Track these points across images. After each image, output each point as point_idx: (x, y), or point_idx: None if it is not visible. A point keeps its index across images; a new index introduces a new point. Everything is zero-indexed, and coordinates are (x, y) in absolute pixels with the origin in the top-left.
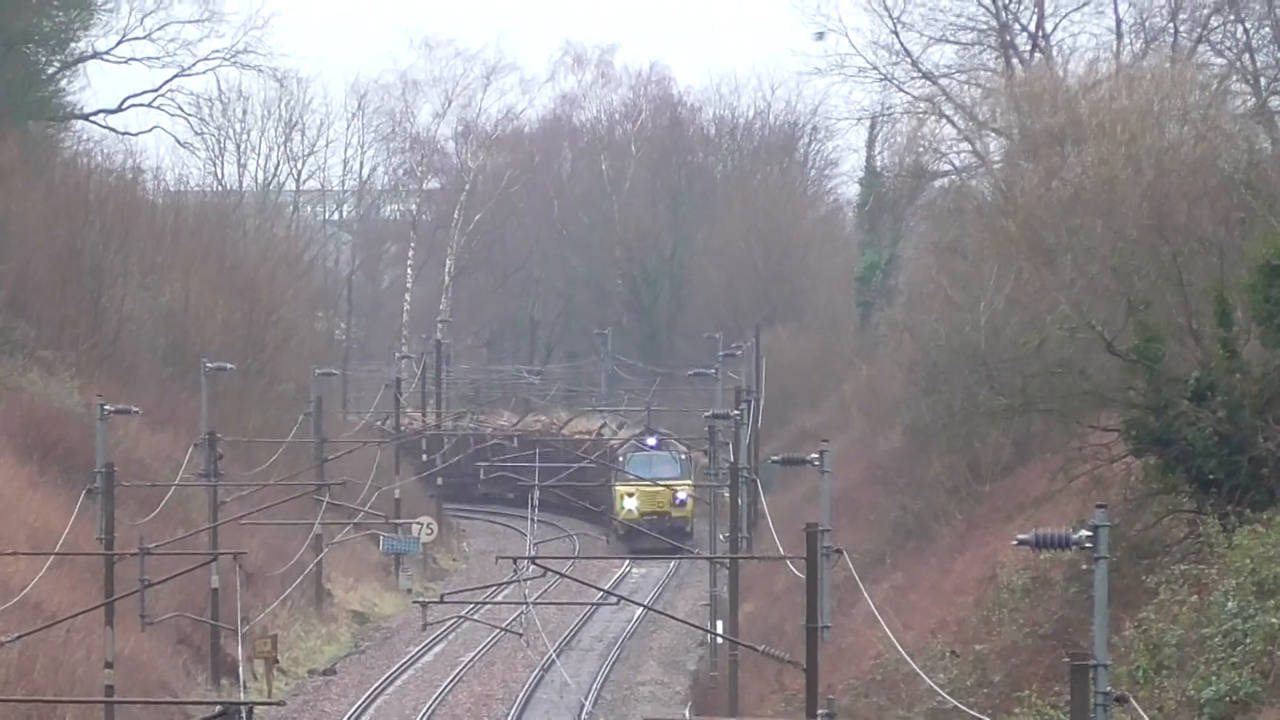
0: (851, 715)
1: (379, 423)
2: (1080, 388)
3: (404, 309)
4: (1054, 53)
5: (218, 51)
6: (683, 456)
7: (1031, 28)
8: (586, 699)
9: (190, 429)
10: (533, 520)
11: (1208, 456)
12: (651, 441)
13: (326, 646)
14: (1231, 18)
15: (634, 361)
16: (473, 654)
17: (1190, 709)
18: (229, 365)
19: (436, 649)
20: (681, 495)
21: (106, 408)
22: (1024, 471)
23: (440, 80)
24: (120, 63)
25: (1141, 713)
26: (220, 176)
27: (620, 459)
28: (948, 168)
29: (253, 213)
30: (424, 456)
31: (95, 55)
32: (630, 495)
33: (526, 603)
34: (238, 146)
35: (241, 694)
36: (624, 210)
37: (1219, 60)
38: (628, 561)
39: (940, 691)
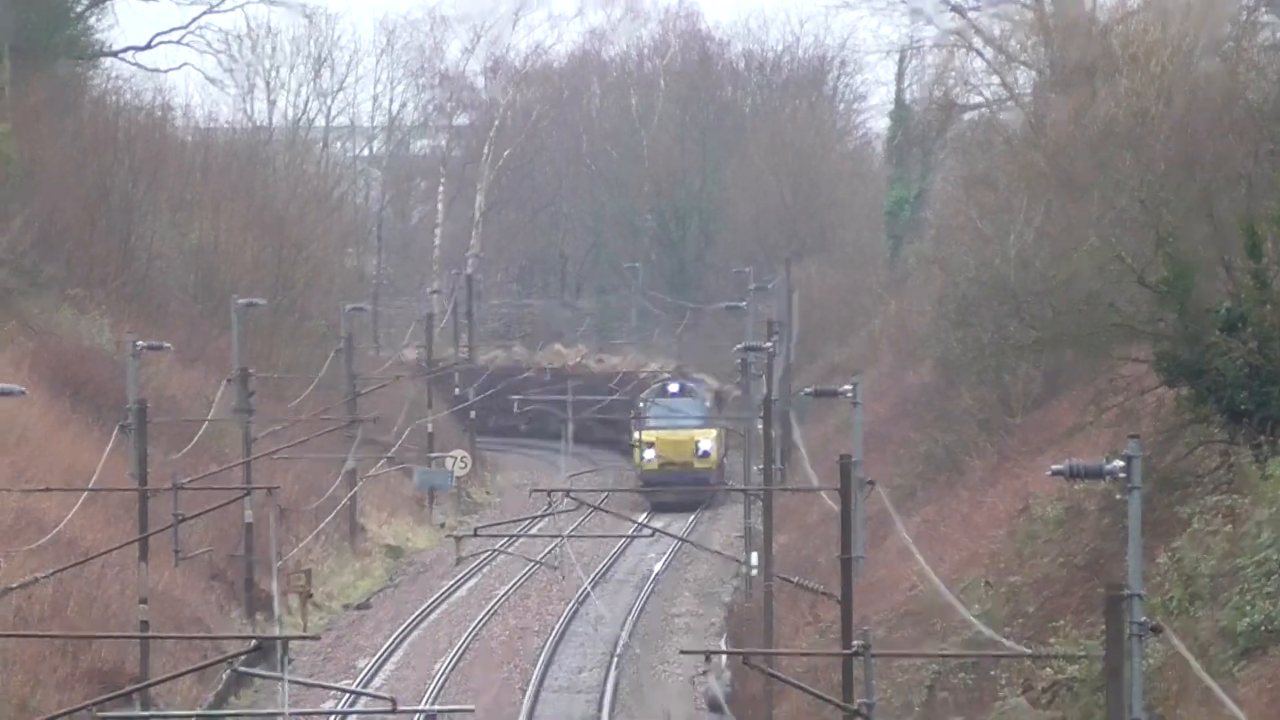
0: (887, 646)
1: (417, 347)
2: (1110, 320)
3: (434, 245)
4: None
5: None
6: (708, 404)
7: None
8: (622, 631)
9: (221, 365)
10: (566, 454)
11: (1239, 387)
12: (674, 387)
13: (360, 581)
14: None
15: (663, 296)
16: (507, 588)
17: (1224, 639)
18: (260, 301)
19: (470, 583)
20: (705, 445)
21: (138, 344)
22: (1055, 404)
23: (469, 16)
24: None
25: (1176, 642)
26: (250, 113)
27: (640, 404)
28: (977, 101)
29: (282, 149)
30: (456, 390)
31: None
32: (650, 444)
33: (561, 536)
34: (267, 83)
35: (276, 629)
36: (653, 145)
37: None
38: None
39: (975, 622)
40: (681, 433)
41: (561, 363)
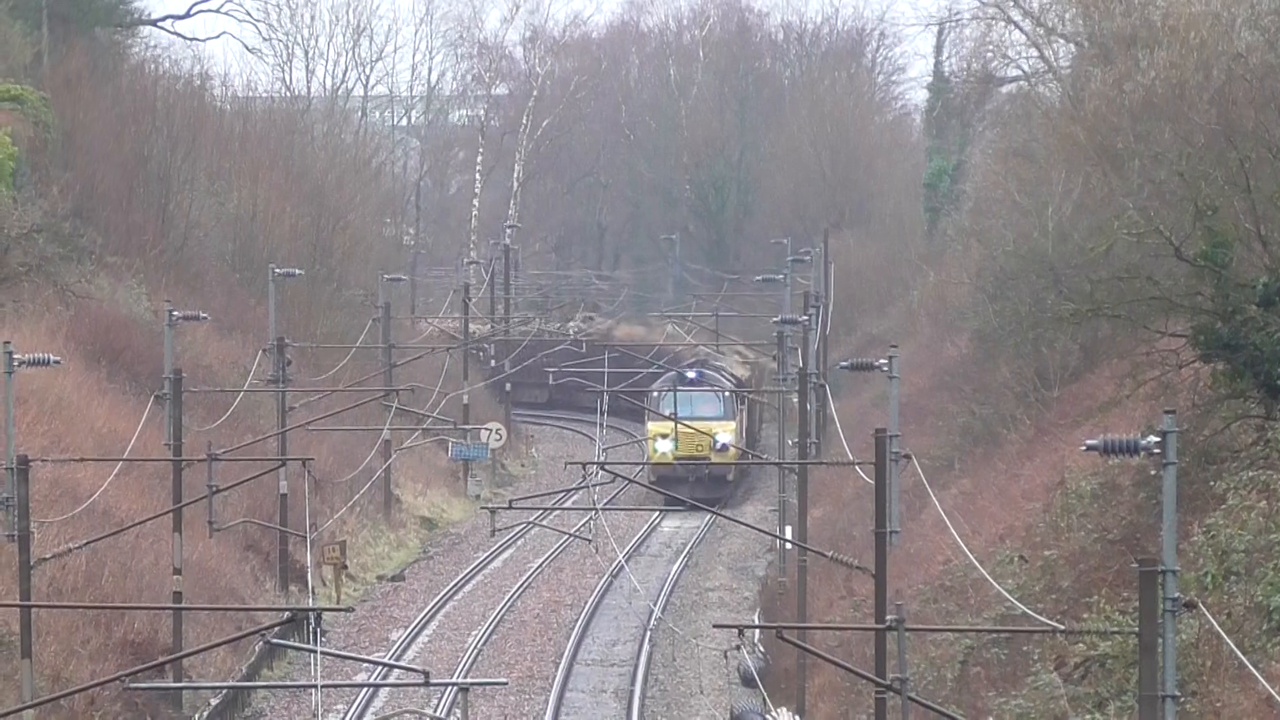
0: (920, 620)
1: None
2: (1148, 293)
3: (472, 214)
4: None
5: None
6: (727, 394)
7: None
8: (655, 604)
9: (258, 335)
10: (601, 426)
11: (1276, 362)
12: (692, 375)
13: (395, 552)
14: None
15: (701, 267)
16: (541, 560)
17: (1258, 615)
18: (297, 271)
19: (505, 555)
20: (724, 438)
21: (174, 313)
22: (1092, 377)
23: None
24: None
25: (1210, 618)
26: (288, 82)
27: (654, 394)
28: (1015, 73)
29: (320, 119)
30: (492, 362)
31: None
32: (664, 436)
33: (595, 508)
34: (305, 52)
35: (310, 600)
36: (691, 116)
37: None
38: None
39: (1009, 597)
40: (698, 424)
41: (598, 334)
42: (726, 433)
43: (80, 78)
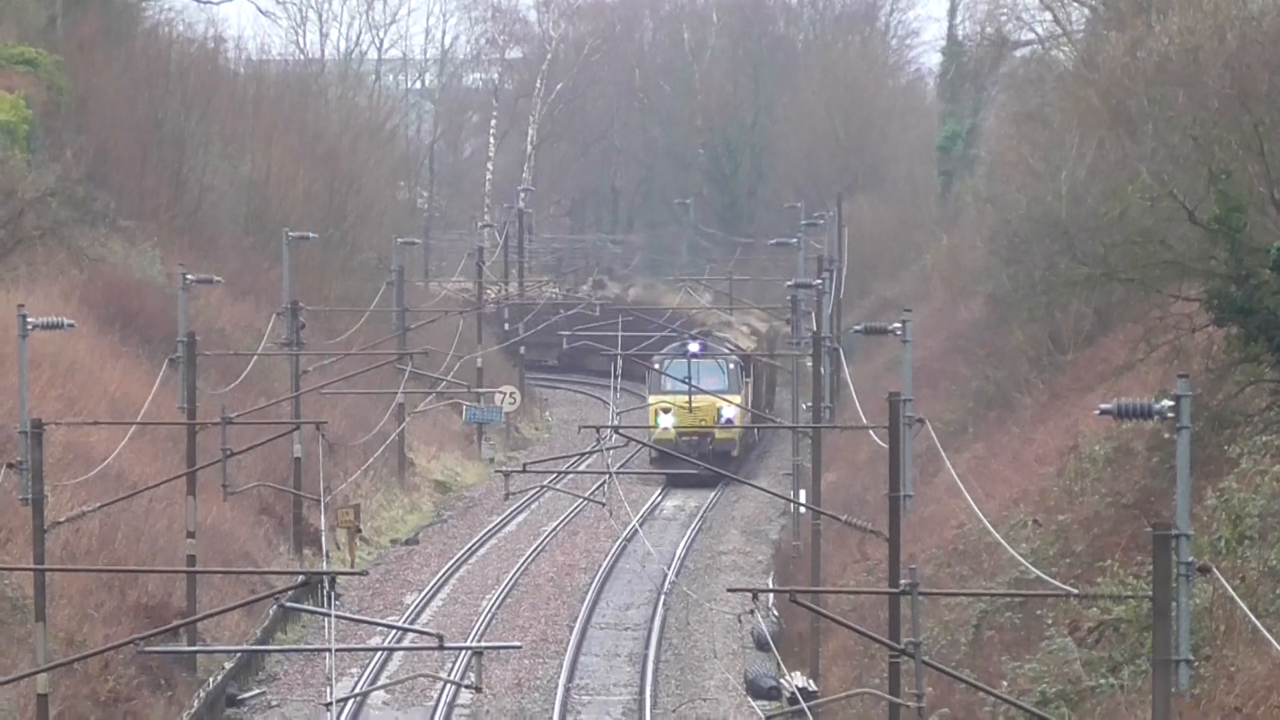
0: (934, 584)
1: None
2: (1161, 257)
3: (486, 178)
4: None
5: None
6: (731, 366)
7: None
8: (669, 569)
9: (271, 299)
10: (615, 390)
11: None
12: (694, 347)
13: (409, 516)
14: None
15: (715, 231)
16: (555, 524)
17: (1272, 579)
18: (311, 235)
19: (519, 519)
20: (729, 412)
21: (188, 277)
22: (1105, 341)
23: None
24: None
25: (1224, 582)
26: (302, 45)
27: (656, 365)
28: (1029, 37)
29: (334, 82)
30: (506, 326)
31: None
32: (666, 410)
33: (609, 472)
34: (319, 15)
35: (324, 564)
36: (705, 79)
37: None
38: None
39: (1023, 561)
40: (702, 398)
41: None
42: (732, 407)
43: (94, 41)
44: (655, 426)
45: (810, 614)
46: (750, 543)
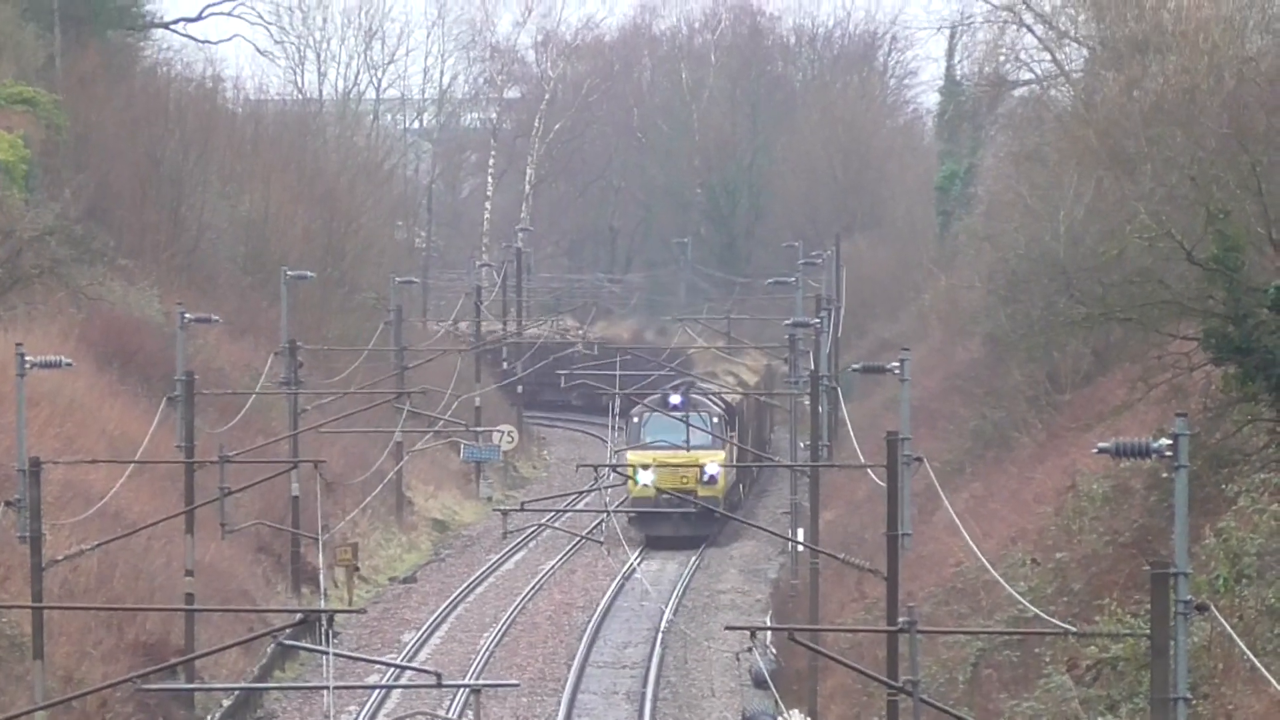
0: (932, 623)
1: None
2: (1159, 297)
3: (484, 217)
4: None
5: None
6: (715, 419)
7: None
8: (667, 607)
9: (270, 338)
10: (613, 428)
11: None
12: (676, 399)
13: (407, 554)
14: None
15: (713, 270)
16: (553, 562)
17: (1271, 617)
18: (309, 274)
19: (517, 557)
20: (712, 469)
21: (187, 316)
22: (1103, 380)
23: None
24: None
25: (1222, 620)
26: (300, 85)
27: (634, 419)
28: (1028, 77)
29: (333, 121)
30: (504, 364)
31: None
32: (645, 467)
33: (607, 510)
34: (318, 55)
35: (322, 602)
36: (703, 119)
37: None
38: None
39: (1021, 599)
40: (683, 454)
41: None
42: (715, 463)
43: (93, 80)
44: (634, 485)
45: (809, 652)
46: (748, 581)
